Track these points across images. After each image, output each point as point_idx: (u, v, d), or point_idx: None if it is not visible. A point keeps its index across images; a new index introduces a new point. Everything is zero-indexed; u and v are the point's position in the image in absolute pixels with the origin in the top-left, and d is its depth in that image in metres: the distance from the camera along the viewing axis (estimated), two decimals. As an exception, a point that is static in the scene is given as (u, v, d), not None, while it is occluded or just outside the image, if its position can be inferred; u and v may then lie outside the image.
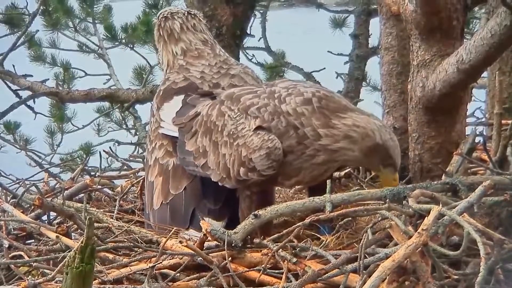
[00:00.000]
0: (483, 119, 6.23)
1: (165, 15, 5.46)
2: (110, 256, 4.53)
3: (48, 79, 9.73)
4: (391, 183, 4.58)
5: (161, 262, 4.31)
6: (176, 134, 5.08)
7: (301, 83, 4.87)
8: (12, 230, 5.04)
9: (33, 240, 5.04)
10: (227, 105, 4.84)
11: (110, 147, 8.09)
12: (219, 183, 4.79)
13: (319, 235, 4.64)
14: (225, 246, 4.18)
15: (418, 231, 3.79)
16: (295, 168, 4.63)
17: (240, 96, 4.82)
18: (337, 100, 4.68)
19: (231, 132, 4.74)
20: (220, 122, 4.82)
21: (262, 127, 4.66)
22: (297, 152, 4.60)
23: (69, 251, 4.15)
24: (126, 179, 6.18)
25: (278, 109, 4.66)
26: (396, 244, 4.00)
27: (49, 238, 4.79)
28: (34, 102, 9.22)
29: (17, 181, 6.08)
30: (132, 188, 5.90)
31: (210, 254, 4.22)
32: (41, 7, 10.06)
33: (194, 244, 4.26)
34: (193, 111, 5.03)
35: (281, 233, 4.22)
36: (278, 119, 4.64)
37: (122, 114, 10.35)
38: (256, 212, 4.26)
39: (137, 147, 9.46)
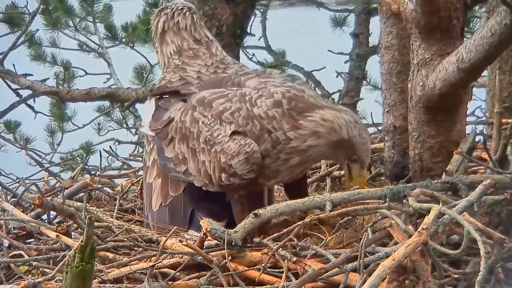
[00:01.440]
0: (483, 118, 6.22)
1: (159, 13, 5.41)
2: (110, 255, 4.53)
3: (48, 78, 9.73)
4: (357, 180, 4.62)
5: (161, 261, 4.30)
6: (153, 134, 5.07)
7: (271, 81, 4.84)
8: (12, 229, 5.04)
9: (33, 239, 5.04)
10: (199, 111, 4.81)
11: (110, 146, 8.13)
12: (203, 188, 4.80)
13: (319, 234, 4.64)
14: (225, 245, 4.18)
15: (418, 230, 3.79)
16: (273, 171, 4.66)
17: (211, 101, 4.79)
18: (305, 99, 4.66)
19: (207, 139, 4.74)
20: (195, 129, 4.80)
21: (238, 132, 4.66)
22: (273, 156, 4.62)
23: (69, 250, 4.15)
24: (126, 178, 6.19)
25: (251, 113, 4.66)
26: (396, 243, 4.00)
27: (49, 237, 4.79)
28: (34, 101, 9.21)
29: (17, 180, 6.09)
30: (132, 187, 5.90)
31: (210, 253, 4.23)
32: (41, 6, 10.06)
33: (194, 243, 4.26)
34: (166, 116, 4.99)
35: (281, 232, 4.22)
36: (252, 123, 4.64)
37: (122, 113, 10.36)
38: (256, 211, 4.26)
39: (137, 146, 9.48)
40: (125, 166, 6.85)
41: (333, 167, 5.71)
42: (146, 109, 5.21)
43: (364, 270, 3.88)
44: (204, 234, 4.25)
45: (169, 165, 4.91)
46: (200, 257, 4.21)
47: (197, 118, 4.82)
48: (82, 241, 3.42)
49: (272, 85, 4.76)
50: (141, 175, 5.78)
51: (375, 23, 7.79)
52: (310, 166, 4.82)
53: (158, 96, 5.17)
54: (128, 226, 4.81)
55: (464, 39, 4.96)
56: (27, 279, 4.30)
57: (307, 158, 4.65)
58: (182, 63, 5.30)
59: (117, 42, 10.41)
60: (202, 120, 4.79)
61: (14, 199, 5.55)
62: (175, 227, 4.54)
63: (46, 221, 5.32)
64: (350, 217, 4.53)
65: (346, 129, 4.55)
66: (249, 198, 4.74)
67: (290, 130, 4.58)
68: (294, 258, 4.11)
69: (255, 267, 4.19)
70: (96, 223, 4.79)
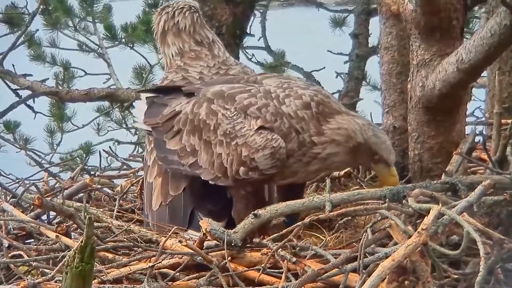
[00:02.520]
0: (483, 119, 6.22)
1: (160, 12, 5.40)
2: (110, 255, 4.52)
3: (48, 78, 9.73)
4: (389, 179, 4.59)
5: (160, 262, 4.30)
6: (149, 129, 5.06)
7: (293, 82, 4.84)
8: (12, 229, 5.04)
9: (32, 240, 5.04)
10: (218, 103, 4.81)
11: (110, 147, 8.11)
12: (211, 182, 4.78)
13: (318, 234, 4.64)
14: (225, 246, 4.17)
15: (418, 230, 3.79)
16: (292, 171, 4.66)
17: (233, 95, 4.78)
18: (330, 105, 4.68)
19: (228, 131, 4.73)
20: (212, 121, 4.79)
21: (264, 127, 4.66)
22: (296, 157, 4.62)
23: (68, 251, 4.14)
24: (126, 179, 6.17)
25: (280, 110, 4.66)
26: (395, 244, 4.00)
27: (49, 237, 4.79)
28: (34, 101, 9.22)
29: (17, 181, 6.08)
30: (131, 187, 5.89)
31: (209, 254, 4.22)
32: (41, 7, 10.06)
33: (193, 243, 4.26)
34: (168, 110, 4.98)
35: (281, 232, 4.22)
36: (281, 120, 4.64)
37: (122, 114, 10.35)
38: (256, 211, 4.26)
39: (137, 146, 9.47)
40: (125, 167, 6.83)
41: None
42: (138, 106, 5.20)
43: (363, 271, 3.88)
44: (203, 234, 4.25)
45: (171, 157, 4.90)
46: (200, 257, 4.21)
47: (216, 111, 4.79)
48: (81, 242, 3.42)
49: (297, 86, 4.76)
50: (141, 176, 5.78)
51: (375, 24, 7.81)
52: (327, 172, 4.84)
53: (149, 94, 5.15)
54: (128, 227, 4.80)
55: (464, 39, 4.97)
56: (27, 279, 4.30)
57: (326, 166, 4.66)
58: (184, 64, 5.31)
59: (116, 42, 10.40)
60: (223, 113, 4.77)
61: (13, 199, 5.54)
62: (175, 227, 4.55)
63: (45, 221, 5.31)
64: (349, 217, 4.53)
65: (360, 133, 4.56)
66: (255, 195, 4.74)
67: (315, 135, 4.60)
68: (294, 259, 4.11)
69: (254, 268, 4.19)
70: (95, 224, 4.78)
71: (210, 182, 4.79)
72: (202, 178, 4.81)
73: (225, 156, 4.71)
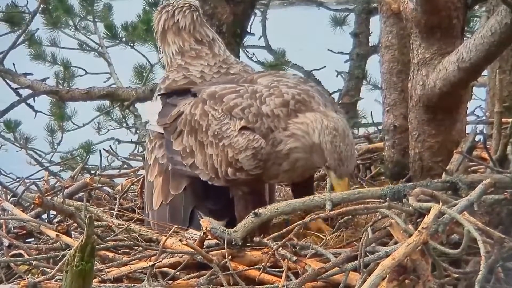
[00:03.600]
0: (484, 118, 6.23)
1: (160, 11, 5.40)
2: (110, 254, 4.52)
3: (48, 77, 9.74)
4: (337, 189, 4.50)
5: (161, 261, 4.30)
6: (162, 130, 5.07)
7: (284, 80, 4.80)
8: (12, 228, 5.04)
9: (33, 239, 5.04)
10: (210, 104, 4.80)
11: (110, 146, 8.13)
12: (209, 182, 4.78)
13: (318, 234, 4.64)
14: (225, 245, 4.17)
15: (418, 229, 3.78)
16: (273, 172, 4.66)
17: (223, 96, 4.78)
18: (311, 103, 4.61)
19: (216, 133, 4.73)
20: (204, 122, 4.80)
21: (247, 127, 4.65)
22: (272, 158, 4.61)
23: (69, 250, 4.14)
24: (126, 178, 6.18)
25: (260, 111, 4.64)
26: (396, 243, 4.00)
27: (49, 236, 4.79)
28: (34, 100, 9.23)
29: (17, 180, 6.09)
30: (132, 186, 5.89)
31: (210, 253, 4.22)
32: (42, 6, 10.06)
33: (194, 242, 4.25)
34: (175, 111, 4.99)
35: (281, 231, 4.22)
36: (261, 120, 4.63)
37: (122, 113, 10.35)
38: (256, 210, 4.26)
39: (137, 145, 9.47)
40: (125, 166, 6.85)
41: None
42: (152, 107, 5.19)
43: (364, 270, 3.88)
44: (204, 233, 4.25)
45: (176, 158, 4.91)
46: (200, 256, 4.21)
47: (207, 112, 4.80)
48: (82, 241, 3.42)
49: (285, 84, 4.74)
50: (141, 175, 5.78)
51: (375, 23, 7.80)
52: (309, 170, 4.77)
53: (164, 94, 5.16)
54: (128, 226, 4.80)
55: (464, 38, 4.97)
56: (27, 278, 4.30)
57: (292, 165, 4.61)
58: (185, 63, 5.30)
59: (117, 42, 10.40)
60: (212, 114, 4.78)
61: (14, 198, 5.56)
62: (175, 226, 4.55)
63: (46, 220, 5.32)
64: (350, 216, 4.52)
65: (318, 133, 4.49)
66: (253, 195, 4.74)
67: (282, 131, 4.58)
68: (294, 258, 4.11)
69: (255, 267, 4.19)
70: (96, 223, 4.78)
71: (209, 182, 4.79)
72: (201, 179, 4.82)
73: (215, 157, 4.72)
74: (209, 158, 4.74)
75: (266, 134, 4.60)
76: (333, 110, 4.68)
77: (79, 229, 4.89)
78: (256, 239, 4.29)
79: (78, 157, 10.08)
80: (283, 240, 4.16)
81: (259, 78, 4.87)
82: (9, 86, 9.21)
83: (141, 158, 6.84)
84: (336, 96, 9.45)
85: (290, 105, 4.61)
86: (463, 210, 3.99)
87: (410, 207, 4.09)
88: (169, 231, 4.42)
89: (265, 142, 4.58)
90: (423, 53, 4.97)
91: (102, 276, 4.27)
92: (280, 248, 4.15)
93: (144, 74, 10.23)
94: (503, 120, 4.84)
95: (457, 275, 3.93)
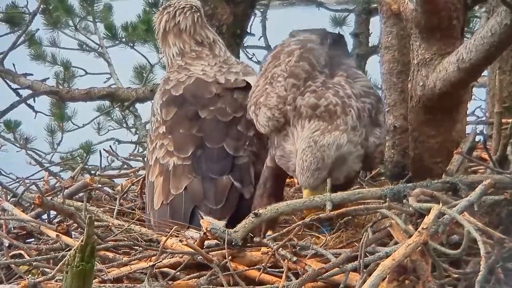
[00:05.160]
0: (484, 118, 6.23)
1: (162, 12, 5.41)
2: (110, 255, 4.52)
3: (48, 78, 9.76)
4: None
5: (161, 261, 4.30)
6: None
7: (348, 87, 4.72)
8: (12, 229, 5.05)
9: (33, 239, 5.04)
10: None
11: (110, 146, 8.12)
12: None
13: (319, 234, 4.64)
14: (225, 245, 4.17)
15: (418, 230, 3.78)
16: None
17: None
18: (337, 118, 4.55)
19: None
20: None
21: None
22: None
23: (69, 250, 4.14)
24: (126, 178, 6.18)
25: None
26: (396, 243, 4.00)
27: (49, 237, 4.79)
28: (34, 101, 9.24)
29: (17, 180, 6.09)
30: (132, 187, 5.89)
31: (210, 253, 4.22)
32: (42, 6, 10.07)
33: (194, 242, 4.26)
34: None
35: (282, 231, 4.22)
36: (284, 108, 4.67)
37: (122, 113, 10.36)
38: (256, 211, 4.26)
39: (137, 146, 9.47)
40: (125, 166, 6.84)
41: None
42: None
43: (364, 270, 3.88)
44: (204, 233, 4.25)
45: None
46: (200, 256, 4.21)
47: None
48: (82, 241, 3.42)
49: (335, 89, 4.65)
50: (141, 175, 5.79)
51: (375, 23, 7.79)
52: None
53: None
54: (128, 226, 4.81)
55: (464, 39, 4.97)
56: (27, 278, 4.29)
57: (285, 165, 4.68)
58: (185, 63, 5.32)
59: (117, 42, 10.40)
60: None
61: (14, 198, 5.56)
62: (175, 226, 4.55)
63: (46, 220, 5.32)
64: (350, 217, 4.53)
65: (301, 140, 4.48)
66: (274, 184, 4.78)
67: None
68: (294, 258, 4.10)
69: (255, 267, 4.18)
70: (96, 223, 4.79)
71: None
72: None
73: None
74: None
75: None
76: (364, 134, 4.59)
77: (79, 229, 4.89)
78: (256, 239, 4.29)
79: (78, 158, 10.09)
80: (283, 241, 4.16)
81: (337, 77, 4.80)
82: (9, 86, 9.22)
83: (141, 159, 6.84)
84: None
85: (318, 110, 4.59)
86: (463, 210, 3.99)
87: (410, 208, 4.09)
88: (170, 230, 4.42)
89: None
90: (423, 54, 4.97)
91: (102, 276, 4.27)
92: (280, 248, 4.16)
93: (144, 74, 10.23)
94: (503, 120, 4.83)
95: (457, 276, 3.93)
